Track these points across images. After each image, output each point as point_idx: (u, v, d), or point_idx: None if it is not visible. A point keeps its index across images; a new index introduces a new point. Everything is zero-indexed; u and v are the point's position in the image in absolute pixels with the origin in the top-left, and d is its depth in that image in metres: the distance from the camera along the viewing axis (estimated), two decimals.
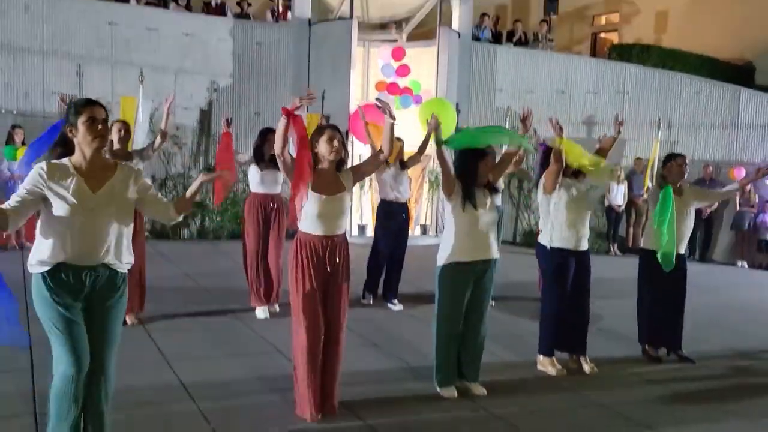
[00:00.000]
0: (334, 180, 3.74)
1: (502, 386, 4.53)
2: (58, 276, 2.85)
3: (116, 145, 5.35)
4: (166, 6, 12.56)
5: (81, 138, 2.88)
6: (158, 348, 4.93)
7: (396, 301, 6.72)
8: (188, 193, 3.14)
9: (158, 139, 5.60)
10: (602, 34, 18.08)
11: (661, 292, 5.33)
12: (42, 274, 2.86)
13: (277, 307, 6.14)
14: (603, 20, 18.18)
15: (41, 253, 2.86)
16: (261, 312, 6.02)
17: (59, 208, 2.82)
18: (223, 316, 5.98)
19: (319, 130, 3.80)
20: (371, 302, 6.74)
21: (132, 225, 3.07)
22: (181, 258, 9.00)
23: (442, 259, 4.29)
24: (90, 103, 2.93)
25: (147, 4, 11.92)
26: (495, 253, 4.37)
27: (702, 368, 5.24)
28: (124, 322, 5.40)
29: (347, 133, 10.87)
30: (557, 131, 4.73)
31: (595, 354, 5.24)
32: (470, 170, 4.25)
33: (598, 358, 5.16)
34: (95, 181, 2.89)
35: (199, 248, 10.16)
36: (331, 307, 3.79)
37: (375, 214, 7.08)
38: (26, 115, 9.87)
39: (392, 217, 6.68)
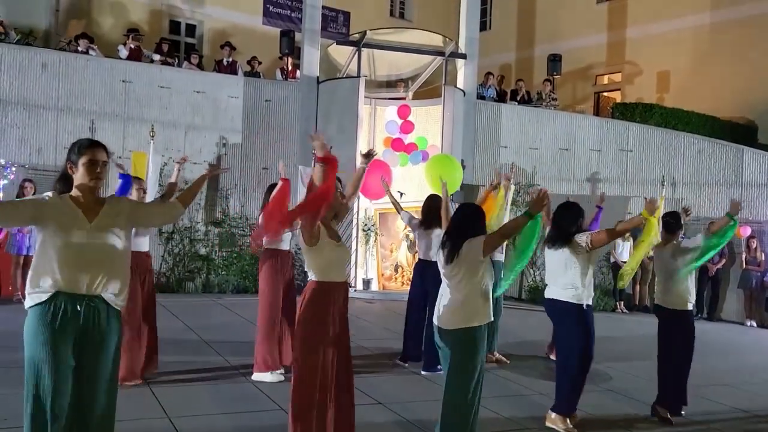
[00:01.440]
0: (335, 229, 3.90)
1: None
2: (55, 306, 2.92)
3: None
4: (178, 65, 12.92)
5: (80, 177, 3.05)
6: (161, 405, 4.88)
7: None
8: (192, 187, 3.55)
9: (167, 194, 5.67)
10: (605, 93, 18.41)
11: (681, 351, 5.35)
12: (40, 306, 2.93)
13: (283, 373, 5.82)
14: (605, 80, 18.54)
15: (39, 283, 2.95)
16: (271, 376, 5.72)
17: (57, 236, 2.95)
18: (227, 372, 5.92)
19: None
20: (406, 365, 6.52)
21: (128, 265, 3.19)
22: (186, 312, 8.96)
23: (465, 321, 3.99)
24: (93, 146, 3.09)
25: (163, 63, 12.25)
26: None
27: (712, 430, 5.14)
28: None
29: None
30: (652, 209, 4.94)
31: (603, 414, 5.17)
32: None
33: (606, 419, 5.08)
34: (91, 213, 3.04)
35: (204, 302, 10.13)
36: (342, 354, 3.81)
37: (411, 274, 6.99)
38: (38, 170, 10.04)
39: (428, 276, 6.41)
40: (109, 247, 3.05)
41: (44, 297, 2.94)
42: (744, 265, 11.24)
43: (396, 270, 11.78)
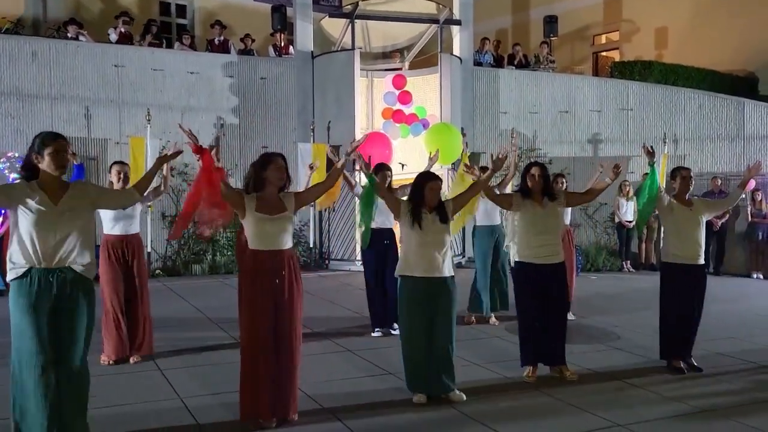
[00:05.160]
0: (276, 202, 4.09)
1: (504, 408, 4.51)
2: (30, 279, 3.36)
3: (117, 186, 5.37)
4: (170, 46, 12.79)
5: (46, 165, 3.45)
6: (172, 386, 4.91)
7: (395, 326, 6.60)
8: (146, 174, 3.98)
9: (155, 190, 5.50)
10: (603, 53, 18.19)
11: (683, 304, 5.36)
12: (18, 280, 3.38)
13: None
14: (603, 39, 18.31)
15: (15, 260, 3.39)
16: None
17: (28, 219, 3.37)
18: (237, 350, 5.93)
19: (268, 158, 4.13)
20: (380, 334, 6.53)
21: (93, 240, 3.61)
22: (193, 293, 9.00)
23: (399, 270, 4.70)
24: (56, 138, 3.51)
25: (151, 44, 12.12)
26: (445, 271, 4.59)
27: (722, 382, 5.16)
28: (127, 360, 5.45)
29: (354, 160, 10.91)
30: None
31: (612, 370, 5.20)
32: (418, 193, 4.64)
33: (614, 374, 5.12)
34: (55, 196, 3.45)
35: (211, 283, 10.17)
36: (285, 321, 4.05)
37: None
38: None
39: (373, 242, 6.44)
40: (73, 225, 3.45)
41: (21, 271, 3.38)
42: (749, 218, 11.21)
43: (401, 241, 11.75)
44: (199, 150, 3.91)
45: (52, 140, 3.47)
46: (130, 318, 5.45)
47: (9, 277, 3.42)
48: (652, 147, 5.65)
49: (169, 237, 10.62)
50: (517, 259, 5.21)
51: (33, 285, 3.35)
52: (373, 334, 6.55)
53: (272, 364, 4.01)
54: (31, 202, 3.38)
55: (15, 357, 3.40)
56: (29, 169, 3.49)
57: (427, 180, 4.66)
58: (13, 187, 3.48)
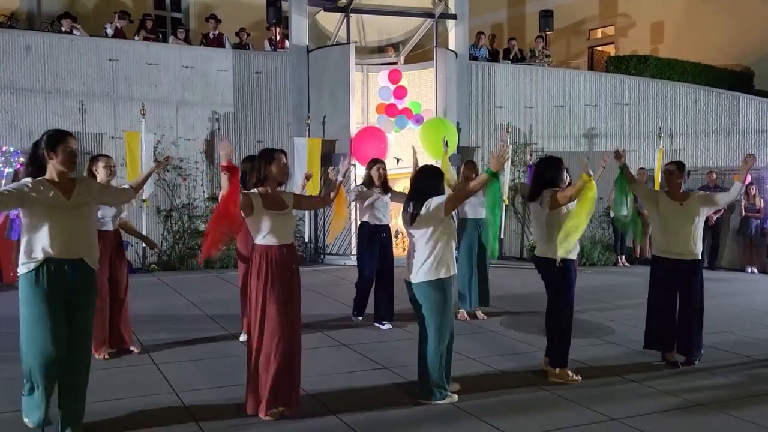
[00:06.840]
0: (279, 198, 4.19)
1: (499, 402, 4.52)
2: (47, 269, 3.50)
3: (104, 179, 5.24)
4: (165, 40, 12.73)
5: (59, 162, 3.58)
6: (167, 381, 4.91)
7: (384, 322, 6.65)
8: (143, 176, 4.50)
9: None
10: (599, 48, 18.19)
11: (667, 298, 5.41)
12: (32, 271, 3.51)
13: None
14: (599, 33, 18.30)
15: (31, 253, 3.53)
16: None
17: (42, 214, 3.52)
18: (232, 345, 5.95)
19: (272, 155, 4.17)
20: (359, 320, 6.82)
21: (95, 227, 3.88)
22: (189, 288, 8.99)
23: (435, 273, 4.39)
24: (70, 136, 3.66)
25: (146, 39, 12.07)
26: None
27: (716, 376, 5.19)
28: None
29: (350, 155, 10.91)
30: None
31: (607, 364, 5.21)
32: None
33: (609, 369, 5.13)
34: (66, 192, 3.62)
35: (207, 278, 10.15)
36: (287, 313, 4.10)
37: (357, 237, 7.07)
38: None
39: (372, 239, 6.60)
40: (85, 219, 3.68)
41: (35, 264, 3.51)
42: (743, 213, 11.24)
43: (396, 236, 11.77)
44: (230, 169, 3.94)
45: (68, 137, 3.62)
46: (111, 313, 5.45)
47: (22, 270, 3.55)
48: (623, 150, 5.66)
49: (199, 260, 10.53)
50: (566, 257, 4.92)
51: (47, 275, 3.50)
52: (353, 319, 6.76)
53: (284, 354, 4.06)
54: (44, 199, 3.52)
55: (24, 345, 3.52)
56: (37, 166, 3.62)
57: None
58: (24, 187, 3.55)
